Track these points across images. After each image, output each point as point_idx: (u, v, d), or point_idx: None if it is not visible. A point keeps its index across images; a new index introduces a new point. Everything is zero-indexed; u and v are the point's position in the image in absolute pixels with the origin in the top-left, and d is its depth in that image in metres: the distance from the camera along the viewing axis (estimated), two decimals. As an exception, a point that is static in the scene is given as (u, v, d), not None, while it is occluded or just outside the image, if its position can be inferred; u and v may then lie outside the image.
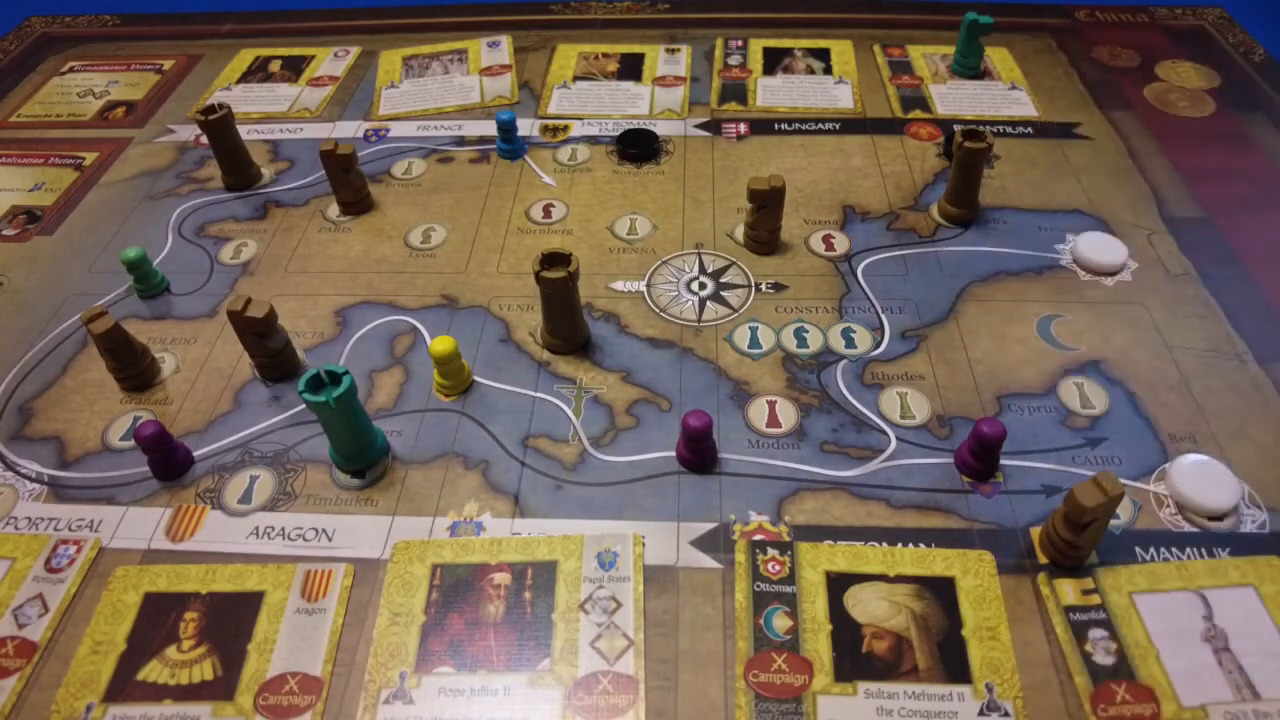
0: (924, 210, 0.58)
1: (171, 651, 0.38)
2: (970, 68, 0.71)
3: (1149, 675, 0.35)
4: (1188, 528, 0.41)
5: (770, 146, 0.65)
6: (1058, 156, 0.63)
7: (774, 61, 0.74)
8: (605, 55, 0.76)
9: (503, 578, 0.39)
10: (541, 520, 0.42)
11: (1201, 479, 0.41)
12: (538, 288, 0.46)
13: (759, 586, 0.39)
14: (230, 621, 0.39)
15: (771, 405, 0.46)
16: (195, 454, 0.46)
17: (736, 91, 0.71)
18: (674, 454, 0.44)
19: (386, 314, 0.53)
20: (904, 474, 0.43)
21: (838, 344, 0.49)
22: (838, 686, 0.35)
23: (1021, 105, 0.68)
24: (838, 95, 0.70)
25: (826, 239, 0.56)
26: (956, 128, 0.55)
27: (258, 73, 0.76)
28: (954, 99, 0.69)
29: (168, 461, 0.44)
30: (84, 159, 0.67)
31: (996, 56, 0.74)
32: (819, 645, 0.37)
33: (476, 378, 0.49)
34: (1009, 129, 0.66)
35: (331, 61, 0.77)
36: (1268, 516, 0.41)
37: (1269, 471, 0.43)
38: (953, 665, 0.36)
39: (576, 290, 0.47)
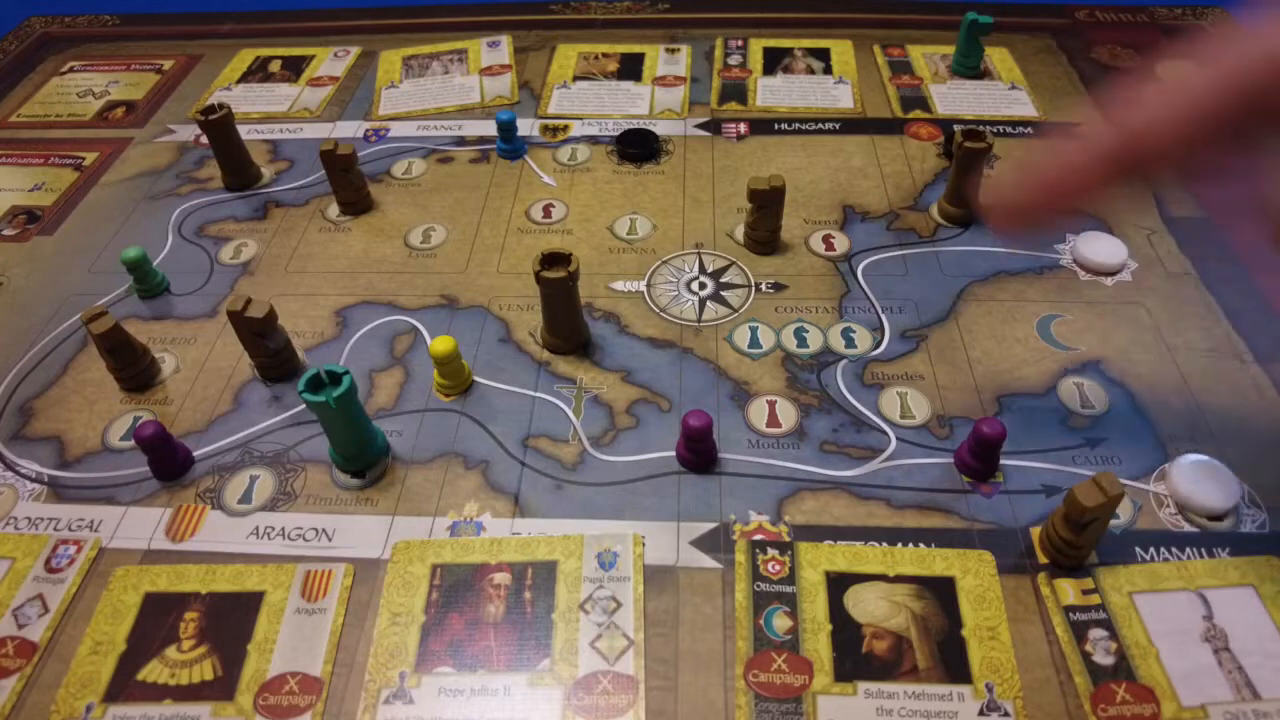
0: (924, 210, 0.58)
1: (171, 651, 0.38)
2: (970, 68, 0.71)
3: (1149, 675, 0.36)
4: (1188, 528, 0.41)
5: (770, 146, 0.65)
6: (1058, 156, 0.63)
7: (774, 61, 0.74)
8: (605, 55, 0.76)
9: (503, 578, 0.39)
10: (541, 520, 0.42)
11: (1201, 479, 0.41)
12: (538, 288, 0.46)
13: (759, 586, 0.39)
14: (230, 621, 0.39)
15: (771, 405, 0.46)
16: (195, 454, 0.46)
17: (736, 91, 0.71)
18: (674, 454, 0.44)
19: (386, 314, 0.53)
20: (904, 474, 0.43)
21: (838, 344, 0.49)
22: (838, 686, 0.35)
23: (1021, 105, 0.68)
24: (838, 95, 0.70)
25: (826, 239, 0.56)
26: (956, 128, 0.55)
27: (258, 73, 0.76)
28: (954, 99, 0.69)
29: (168, 461, 0.44)
30: (84, 159, 0.67)
31: (996, 56, 0.74)
32: (819, 645, 0.37)
33: (476, 378, 0.49)
34: (1009, 129, 0.66)
35: (331, 61, 0.77)
36: (1268, 516, 0.41)
37: (1269, 471, 0.43)
38: (953, 665, 0.36)
39: (576, 290, 0.47)
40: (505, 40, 0.78)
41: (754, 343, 0.50)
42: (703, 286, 0.54)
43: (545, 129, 0.68)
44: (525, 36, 0.79)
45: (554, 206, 0.60)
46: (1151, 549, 0.40)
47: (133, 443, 0.45)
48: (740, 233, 0.57)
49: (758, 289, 0.53)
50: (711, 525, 0.41)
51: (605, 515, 0.42)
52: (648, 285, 0.54)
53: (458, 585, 0.39)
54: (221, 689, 0.36)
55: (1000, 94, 0.69)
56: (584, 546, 0.40)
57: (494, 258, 0.56)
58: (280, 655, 0.37)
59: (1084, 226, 0.56)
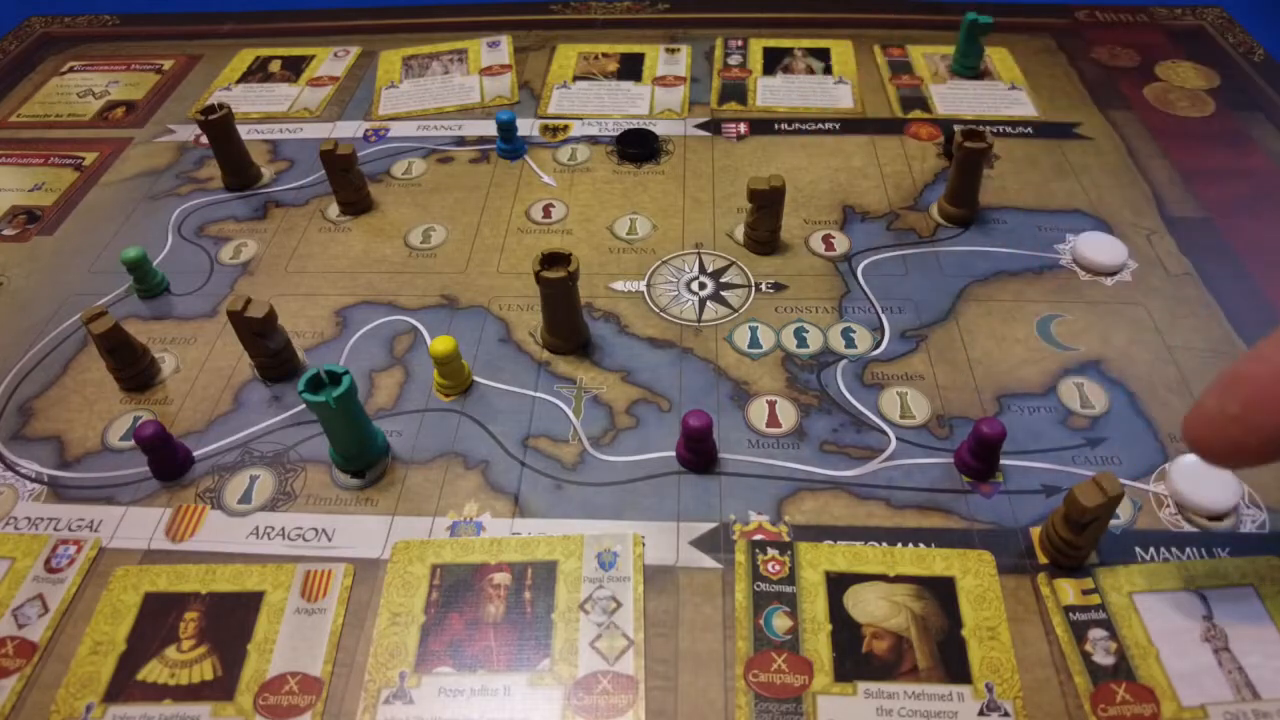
0: (924, 210, 0.58)
1: (171, 651, 0.38)
2: (970, 68, 0.71)
3: (1149, 675, 0.35)
4: (1188, 528, 0.41)
5: (770, 146, 0.65)
6: (1058, 156, 0.63)
7: (774, 61, 0.74)
8: (605, 55, 0.76)
9: (503, 578, 0.39)
10: (541, 520, 0.42)
11: (1201, 479, 0.41)
12: (538, 288, 0.46)
13: (759, 586, 0.39)
14: (230, 621, 0.39)
15: (771, 405, 0.46)
16: (195, 454, 0.46)
17: (736, 91, 0.71)
18: (674, 454, 0.44)
19: (386, 314, 0.53)
20: (904, 474, 0.43)
21: (838, 344, 0.49)
22: (838, 686, 0.35)
23: (1021, 105, 0.68)
24: (838, 95, 0.70)
25: (826, 239, 0.56)
26: (956, 128, 0.55)
27: (258, 73, 0.76)
28: (954, 99, 0.69)
29: (168, 461, 0.44)
30: (84, 159, 0.67)
31: (996, 56, 0.74)
32: (819, 645, 0.37)
33: (476, 378, 0.49)
34: (1009, 129, 0.66)
35: (331, 61, 0.77)
36: (1268, 516, 0.41)
37: (1269, 471, 0.43)
38: (953, 665, 0.36)
39: (576, 290, 0.47)
40: (505, 40, 0.78)
41: (754, 343, 0.50)
42: (703, 286, 0.54)
43: (545, 129, 0.68)
44: (525, 36, 0.79)
45: (554, 206, 0.60)
46: (1151, 549, 0.40)
47: (133, 443, 0.45)
48: (740, 233, 0.57)
49: (758, 289, 0.53)
50: (711, 525, 0.41)
51: (605, 515, 0.42)
52: (648, 285, 0.54)
53: (458, 585, 0.39)
54: (221, 689, 0.36)
55: (1000, 94, 0.69)
56: (584, 546, 0.40)
57: (494, 258, 0.56)
58: (280, 655, 0.37)
59: (1084, 226, 0.56)
